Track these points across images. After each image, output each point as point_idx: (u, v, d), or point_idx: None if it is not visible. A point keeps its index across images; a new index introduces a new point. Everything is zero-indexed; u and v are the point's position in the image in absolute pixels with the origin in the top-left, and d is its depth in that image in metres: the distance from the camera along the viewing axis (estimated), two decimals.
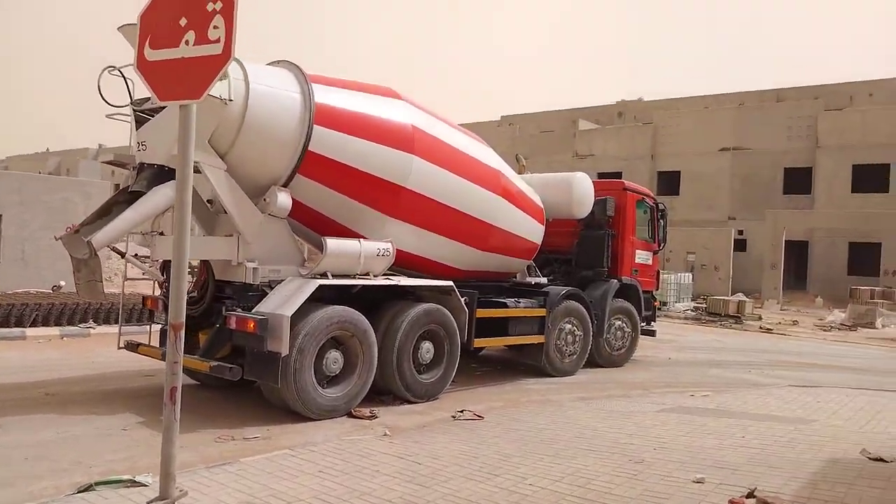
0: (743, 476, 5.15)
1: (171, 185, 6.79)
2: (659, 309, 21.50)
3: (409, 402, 8.05)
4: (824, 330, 20.95)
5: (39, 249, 15.12)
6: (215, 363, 6.81)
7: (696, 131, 38.31)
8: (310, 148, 7.31)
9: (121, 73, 6.85)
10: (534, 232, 10.52)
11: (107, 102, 6.78)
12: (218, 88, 6.73)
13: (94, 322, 12.19)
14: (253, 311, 7.00)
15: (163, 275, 7.45)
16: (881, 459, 5.64)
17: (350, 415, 7.33)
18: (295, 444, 6.17)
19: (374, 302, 8.03)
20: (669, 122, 39.90)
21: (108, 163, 7.52)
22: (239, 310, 7.09)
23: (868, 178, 33.01)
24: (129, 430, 6.41)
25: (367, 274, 7.79)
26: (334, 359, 7.27)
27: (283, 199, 7.32)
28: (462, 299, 8.68)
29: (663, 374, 11.58)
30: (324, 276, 7.37)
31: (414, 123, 8.22)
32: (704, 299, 25.06)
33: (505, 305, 9.77)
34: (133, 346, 7.82)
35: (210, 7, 3.53)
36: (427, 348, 8.28)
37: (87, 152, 60.86)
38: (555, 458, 5.69)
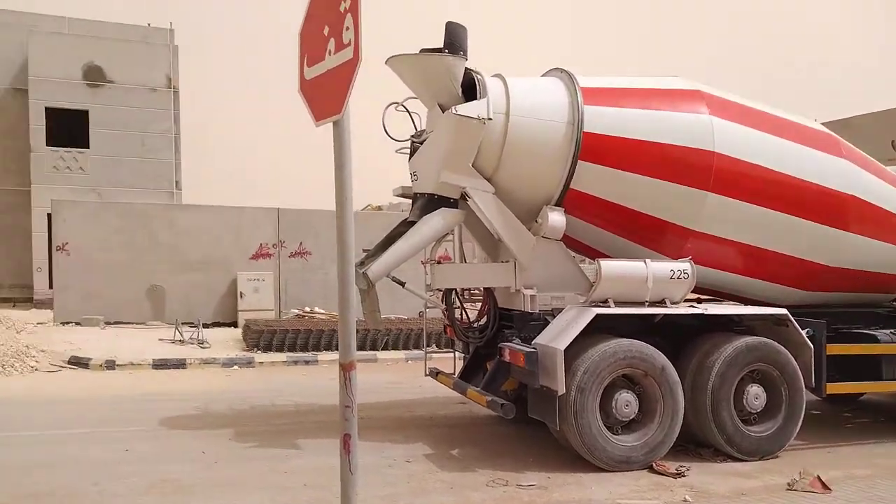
0: None
1: (441, 214, 6.67)
2: None
3: (735, 460, 6.57)
4: None
5: (406, 279, 16.67)
6: (491, 398, 6.38)
7: None
8: (572, 186, 6.64)
9: (404, 107, 6.99)
10: None
11: (390, 137, 6.96)
12: (476, 108, 6.42)
13: (437, 346, 12.85)
14: (533, 342, 6.43)
15: (443, 303, 7.35)
16: None
17: (651, 469, 6.25)
18: (567, 499, 5.40)
19: (682, 334, 6.82)
20: None
21: (399, 196, 7.76)
22: (518, 340, 6.59)
23: None
24: (412, 463, 6.32)
25: (663, 301, 6.63)
26: (626, 401, 6.27)
27: (556, 219, 6.69)
28: (804, 331, 6.87)
29: None
30: (605, 303, 6.47)
31: (717, 147, 6.77)
32: None
33: (875, 339, 7.50)
34: (434, 373, 7.85)
35: (342, 6, 3.09)
36: (755, 394, 6.67)
37: None
38: None
